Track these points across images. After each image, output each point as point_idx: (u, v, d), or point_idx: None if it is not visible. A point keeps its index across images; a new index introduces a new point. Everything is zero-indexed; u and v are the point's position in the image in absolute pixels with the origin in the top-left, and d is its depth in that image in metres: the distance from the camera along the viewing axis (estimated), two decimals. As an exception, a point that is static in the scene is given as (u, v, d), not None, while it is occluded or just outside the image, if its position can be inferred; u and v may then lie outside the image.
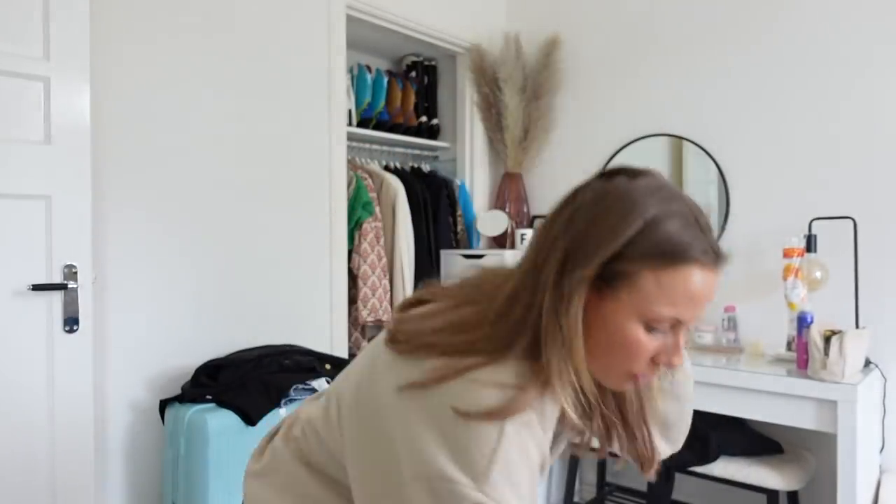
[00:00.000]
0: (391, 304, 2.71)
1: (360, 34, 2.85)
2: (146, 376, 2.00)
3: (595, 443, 0.89)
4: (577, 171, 3.01)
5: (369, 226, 2.66)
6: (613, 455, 0.89)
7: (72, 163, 1.73)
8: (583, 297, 0.71)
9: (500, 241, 3.09)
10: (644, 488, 2.73)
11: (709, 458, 2.12)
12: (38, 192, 1.68)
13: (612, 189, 0.74)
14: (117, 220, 1.93)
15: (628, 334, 0.73)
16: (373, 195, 2.69)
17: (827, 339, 1.87)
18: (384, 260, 2.69)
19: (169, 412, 1.92)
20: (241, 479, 1.82)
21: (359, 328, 2.73)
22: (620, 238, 0.70)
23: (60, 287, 1.71)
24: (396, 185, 2.76)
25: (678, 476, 2.45)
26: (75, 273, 1.74)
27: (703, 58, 2.63)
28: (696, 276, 0.71)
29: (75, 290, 1.74)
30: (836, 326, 1.96)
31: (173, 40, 2.05)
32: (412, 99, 3.09)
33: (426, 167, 3.15)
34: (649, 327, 0.73)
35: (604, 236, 0.71)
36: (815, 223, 2.32)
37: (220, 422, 1.79)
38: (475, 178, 3.19)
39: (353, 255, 2.65)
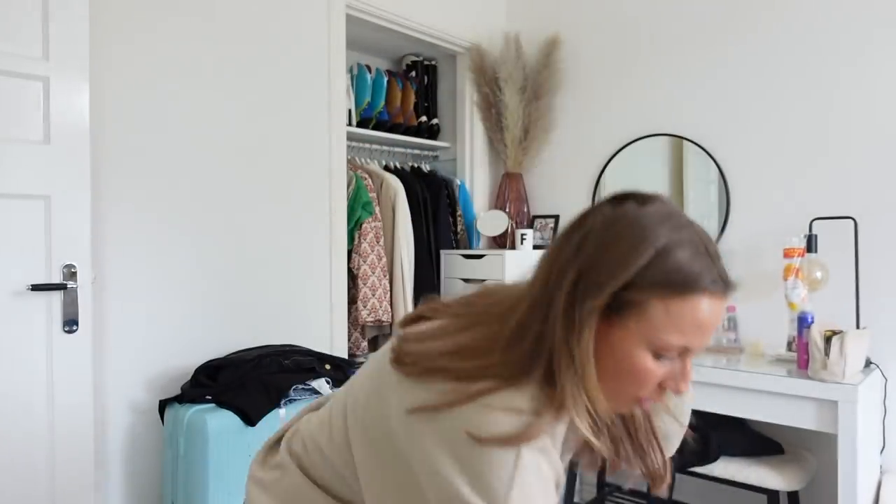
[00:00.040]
0: (391, 304, 2.71)
1: (360, 34, 2.85)
2: (146, 376, 2.00)
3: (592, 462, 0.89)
4: (577, 170, 3.02)
5: (369, 226, 2.65)
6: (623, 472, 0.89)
7: (71, 162, 1.73)
8: (594, 327, 0.71)
9: (500, 241, 3.09)
10: (644, 488, 2.72)
11: (709, 459, 2.11)
12: (38, 191, 1.68)
13: (621, 215, 0.73)
14: (117, 219, 1.93)
15: (636, 362, 0.73)
16: (373, 195, 2.69)
17: (827, 340, 1.86)
18: (384, 260, 2.68)
19: (168, 412, 1.91)
20: (241, 479, 1.82)
21: (358, 328, 2.72)
22: (631, 268, 0.70)
23: (60, 287, 1.71)
24: (396, 185, 2.76)
25: (678, 476, 2.45)
26: (74, 273, 1.74)
27: (704, 58, 2.63)
28: (704, 305, 0.71)
29: (75, 290, 1.73)
30: (836, 326, 1.96)
31: (173, 40, 2.04)
32: (412, 99, 3.09)
33: (426, 167, 3.15)
34: (657, 355, 0.73)
35: (614, 266, 0.71)
36: (815, 223, 2.32)
37: (219, 422, 1.79)
38: (475, 178, 3.19)
39: (353, 255, 2.65)
